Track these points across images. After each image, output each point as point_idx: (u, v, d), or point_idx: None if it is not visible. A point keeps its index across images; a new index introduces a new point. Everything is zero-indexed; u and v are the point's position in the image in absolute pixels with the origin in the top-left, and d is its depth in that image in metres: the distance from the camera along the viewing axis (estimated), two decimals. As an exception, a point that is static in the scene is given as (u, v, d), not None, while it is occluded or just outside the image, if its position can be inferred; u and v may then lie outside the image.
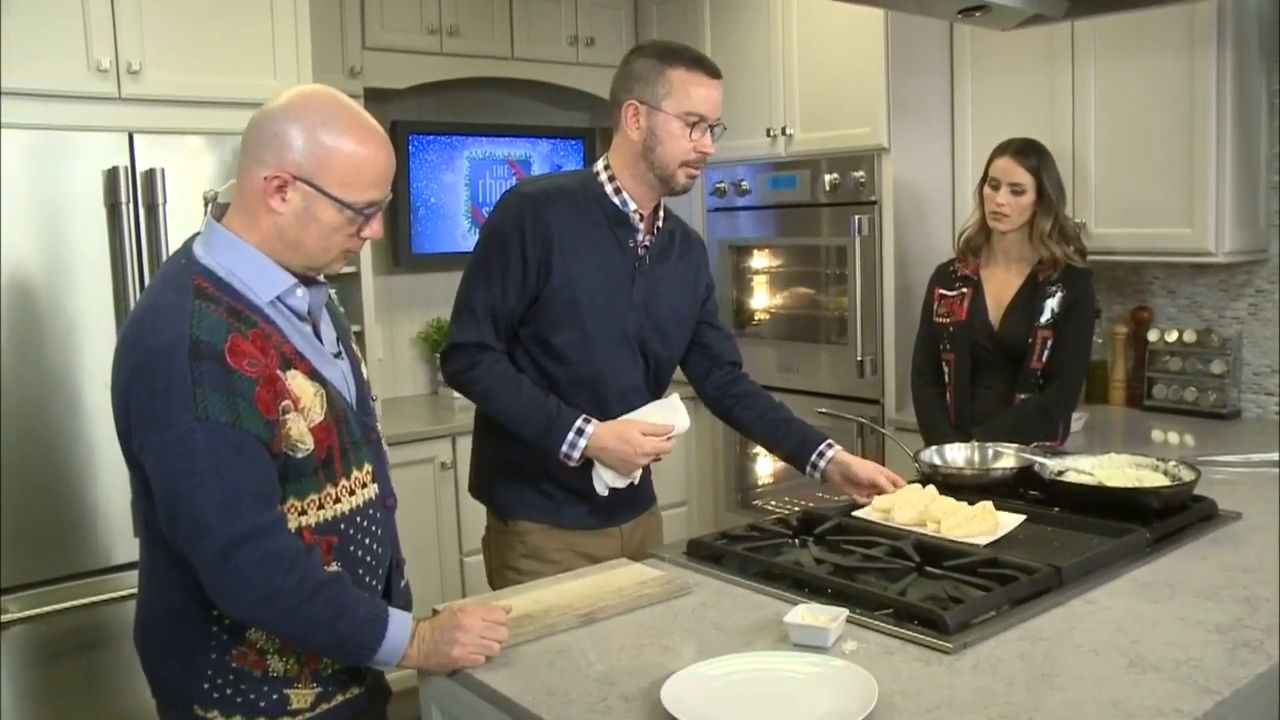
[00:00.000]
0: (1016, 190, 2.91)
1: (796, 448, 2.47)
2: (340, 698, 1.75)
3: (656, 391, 2.42)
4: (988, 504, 2.22)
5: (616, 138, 2.28)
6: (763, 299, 4.42)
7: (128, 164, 2.96)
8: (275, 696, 1.68)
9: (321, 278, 1.75)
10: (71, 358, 2.91)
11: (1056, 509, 2.32)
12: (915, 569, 1.96)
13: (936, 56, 3.84)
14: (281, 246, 1.65)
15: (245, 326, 1.58)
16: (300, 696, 1.70)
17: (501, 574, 2.38)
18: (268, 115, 1.64)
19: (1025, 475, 2.46)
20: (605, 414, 2.27)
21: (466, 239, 4.52)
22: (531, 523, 2.34)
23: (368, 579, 1.75)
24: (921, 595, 1.83)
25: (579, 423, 2.20)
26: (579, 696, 1.54)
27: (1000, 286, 3.01)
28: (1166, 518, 2.21)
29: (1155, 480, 2.35)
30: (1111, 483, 2.35)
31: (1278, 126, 3.39)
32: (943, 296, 3.08)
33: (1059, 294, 2.91)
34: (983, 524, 2.15)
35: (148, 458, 1.56)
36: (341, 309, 1.88)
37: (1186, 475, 2.32)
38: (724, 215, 4.40)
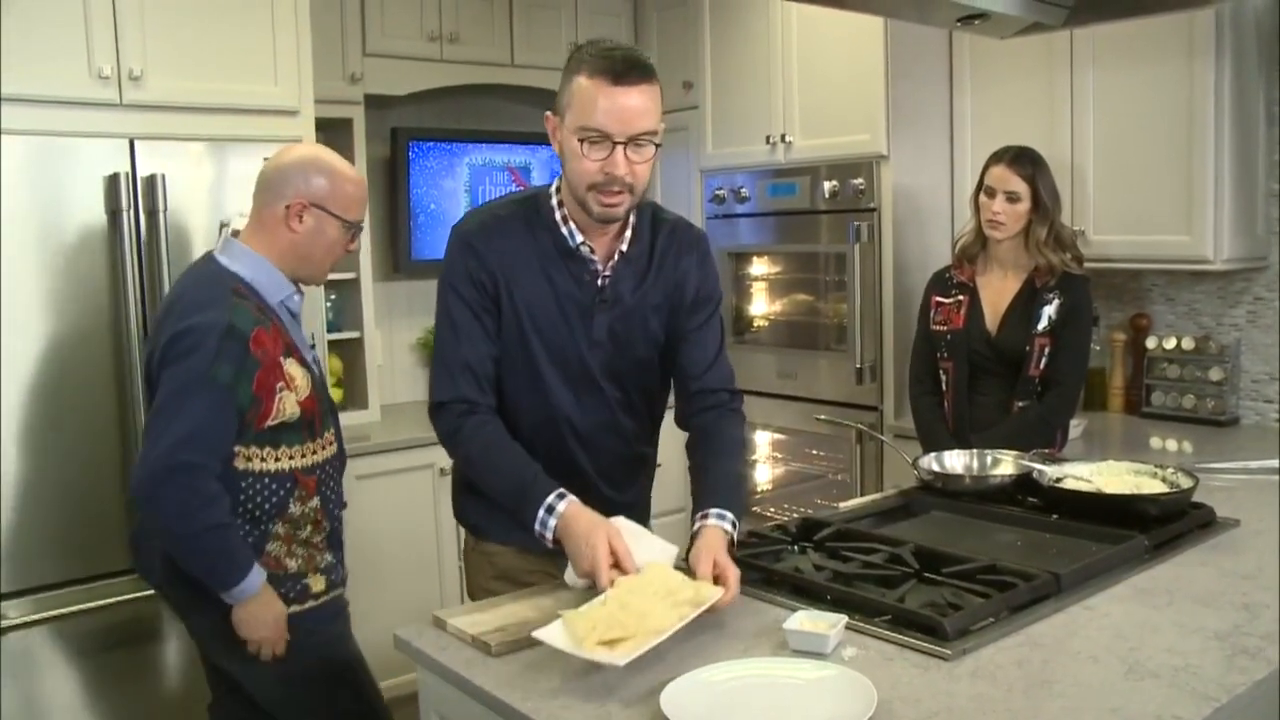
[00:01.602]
0: (1012, 198, 2.91)
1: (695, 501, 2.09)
2: (340, 587, 2.38)
3: (648, 423, 2.24)
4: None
5: None
6: (762, 306, 4.43)
7: (128, 170, 2.97)
8: (298, 587, 2.28)
9: (299, 289, 2.33)
10: (71, 364, 2.92)
11: (1055, 516, 2.31)
12: (914, 575, 1.95)
13: (936, 64, 3.84)
14: (294, 259, 2.28)
15: (267, 321, 2.18)
16: (315, 582, 2.31)
17: (475, 595, 2.27)
18: (286, 163, 2.26)
19: (1023, 482, 2.45)
20: (570, 459, 2.12)
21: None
22: (502, 545, 2.19)
23: (335, 511, 2.38)
24: (920, 602, 1.83)
25: (550, 499, 1.92)
26: (578, 703, 1.53)
27: (997, 294, 3.01)
28: (1165, 524, 2.20)
29: (1153, 487, 2.35)
30: (1110, 489, 2.34)
31: (1276, 135, 3.40)
32: (939, 304, 3.08)
33: (1056, 301, 2.91)
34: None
35: (160, 391, 2.14)
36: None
37: (1185, 482, 2.32)
38: (723, 222, 4.40)
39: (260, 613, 2.20)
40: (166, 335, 2.15)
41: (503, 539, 2.17)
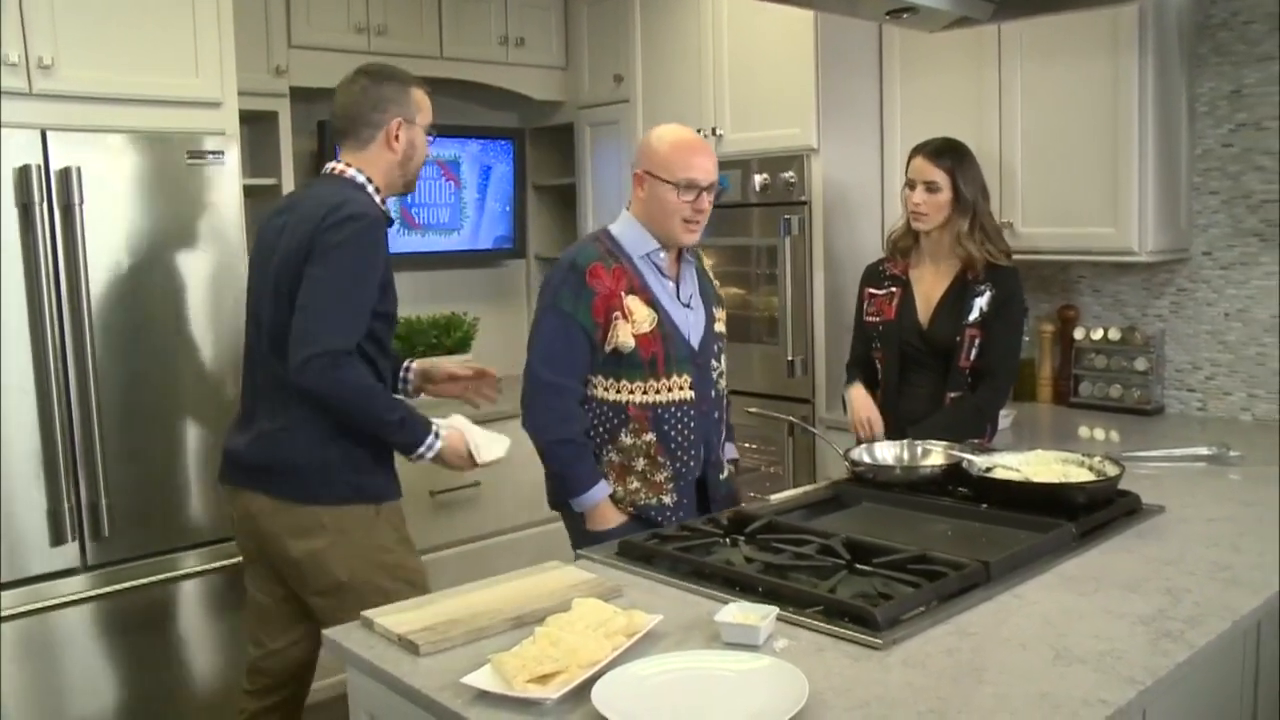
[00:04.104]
0: (931, 188, 2.94)
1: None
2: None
3: None
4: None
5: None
6: (695, 300, 4.41)
7: (40, 162, 2.87)
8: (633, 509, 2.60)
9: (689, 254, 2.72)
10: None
11: (984, 505, 2.34)
12: (845, 566, 1.96)
13: (866, 58, 3.86)
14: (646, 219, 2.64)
15: (610, 261, 2.57)
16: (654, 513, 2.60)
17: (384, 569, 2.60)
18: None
19: (954, 472, 2.48)
20: None
21: (396, 240, 4.42)
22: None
23: (680, 454, 2.59)
24: (852, 592, 1.84)
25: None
26: (510, 700, 1.51)
27: (929, 286, 3.03)
28: (1092, 512, 2.24)
29: (1081, 476, 2.38)
30: (1038, 478, 2.37)
31: (1198, 129, 3.46)
32: (872, 296, 3.10)
33: (988, 293, 2.93)
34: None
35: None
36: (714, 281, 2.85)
37: (1111, 470, 2.36)
38: (656, 216, 4.37)
39: (600, 524, 2.54)
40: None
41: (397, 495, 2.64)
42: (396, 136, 2.56)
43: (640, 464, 2.58)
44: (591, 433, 2.59)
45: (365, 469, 2.52)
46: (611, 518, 2.57)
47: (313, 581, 2.53)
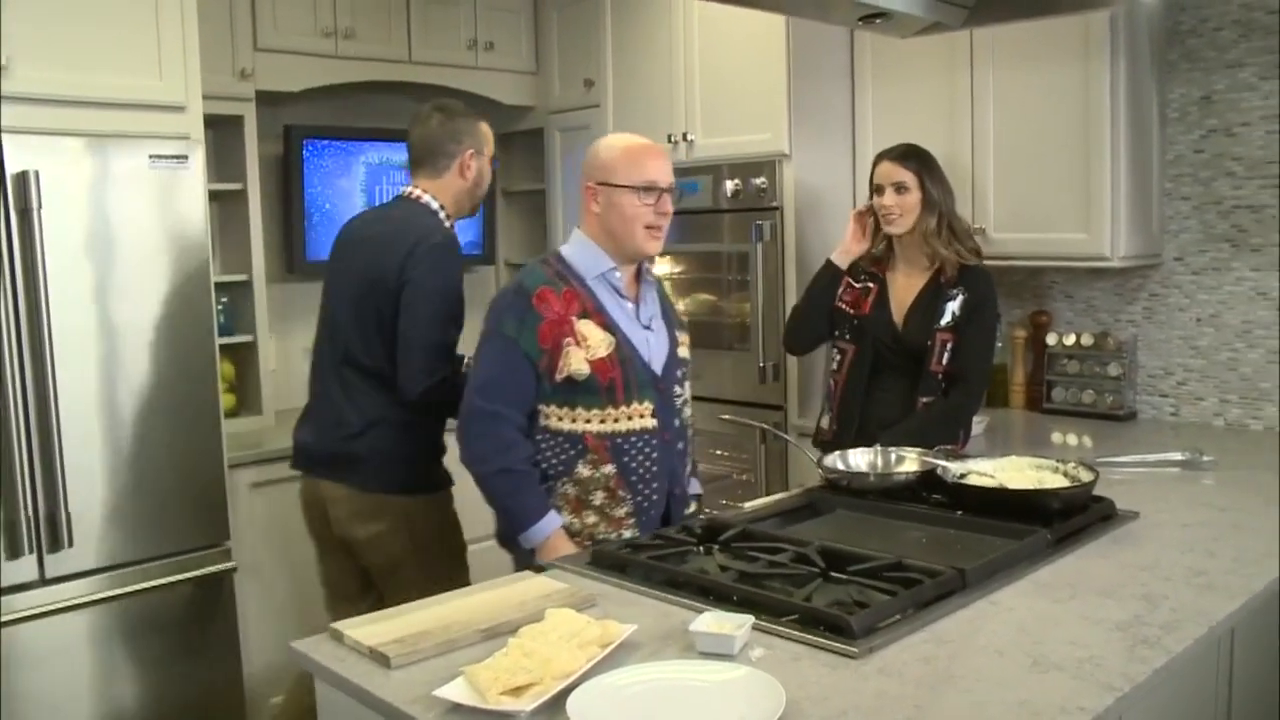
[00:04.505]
0: (901, 189, 2.94)
1: None
2: None
3: None
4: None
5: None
6: (666, 306, 4.38)
7: (-5, 166, 2.80)
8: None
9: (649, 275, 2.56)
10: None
11: (959, 512, 2.33)
12: (820, 574, 1.95)
13: (838, 63, 3.85)
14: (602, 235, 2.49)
15: (560, 284, 2.43)
16: None
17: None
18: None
19: (928, 479, 2.47)
20: None
21: (363, 246, 4.41)
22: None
23: (642, 488, 2.43)
24: (827, 600, 1.82)
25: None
26: (483, 711, 1.49)
27: (903, 289, 3.02)
28: (1067, 518, 2.23)
29: (1055, 481, 2.38)
30: (1013, 485, 2.36)
31: (1169, 134, 3.48)
32: (848, 285, 3.09)
33: (960, 297, 2.93)
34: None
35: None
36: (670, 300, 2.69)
37: (1085, 476, 2.35)
38: (626, 222, 4.35)
39: (554, 557, 2.31)
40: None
41: None
42: (468, 166, 2.92)
43: (598, 498, 2.42)
44: (545, 466, 2.42)
45: (424, 461, 2.90)
46: (565, 551, 2.35)
47: (376, 559, 2.87)
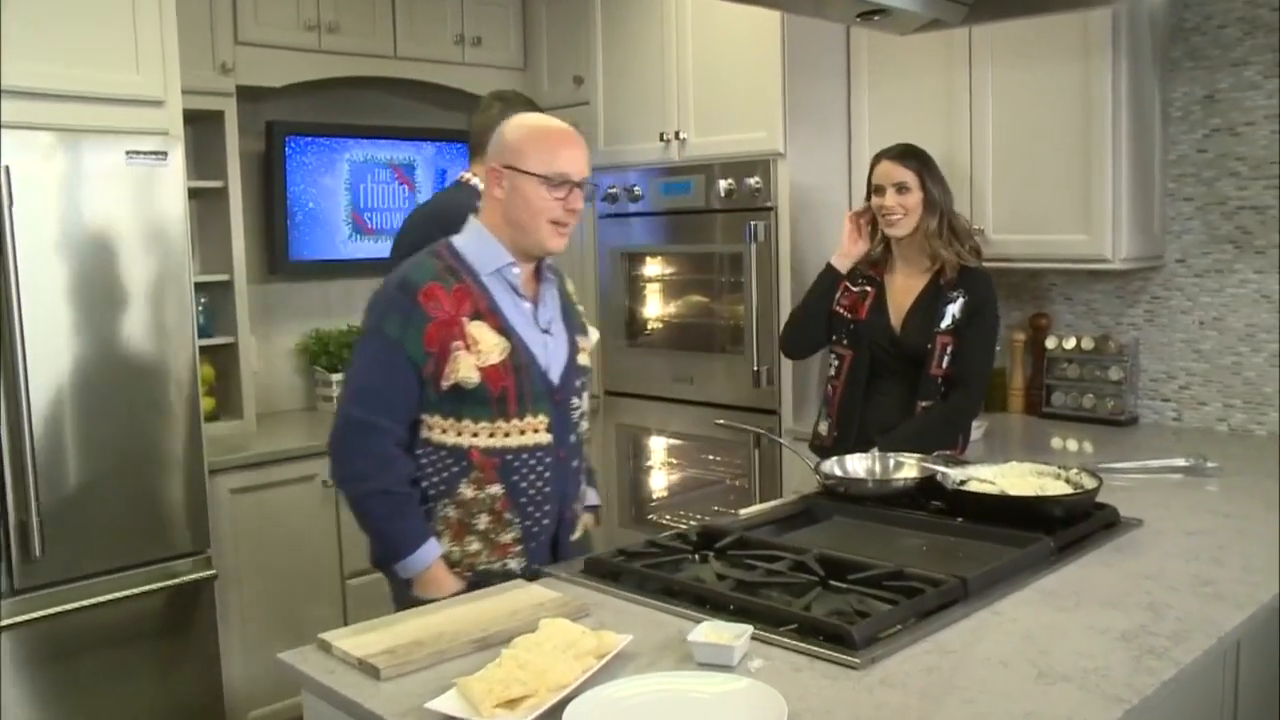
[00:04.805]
0: (902, 189, 2.90)
1: None
2: None
3: None
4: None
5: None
6: (656, 308, 4.34)
7: (-35, 160, 2.73)
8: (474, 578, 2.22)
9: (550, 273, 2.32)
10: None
11: (959, 519, 2.30)
12: (819, 583, 1.91)
13: (834, 61, 3.81)
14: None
15: (450, 280, 2.17)
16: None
17: None
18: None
19: (927, 485, 2.43)
20: None
21: (347, 246, 4.36)
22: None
23: (532, 510, 2.21)
24: (827, 610, 1.79)
25: None
26: (475, 725, 1.46)
27: (901, 292, 2.98)
28: (1070, 526, 2.21)
29: (1058, 488, 2.35)
30: (1014, 491, 2.33)
31: (1171, 134, 3.44)
32: (845, 288, 3.04)
33: (961, 299, 2.89)
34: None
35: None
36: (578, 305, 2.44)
37: (1089, 483, 2.32)
38: (616, 221, 4.31)
39: (433, 590, 2.14)
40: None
41: None
42: None
43: (483, 522, 2.19)
44: (425, 484, 2.19)
45: None
46: (446, 584, 2.16)
47: None
